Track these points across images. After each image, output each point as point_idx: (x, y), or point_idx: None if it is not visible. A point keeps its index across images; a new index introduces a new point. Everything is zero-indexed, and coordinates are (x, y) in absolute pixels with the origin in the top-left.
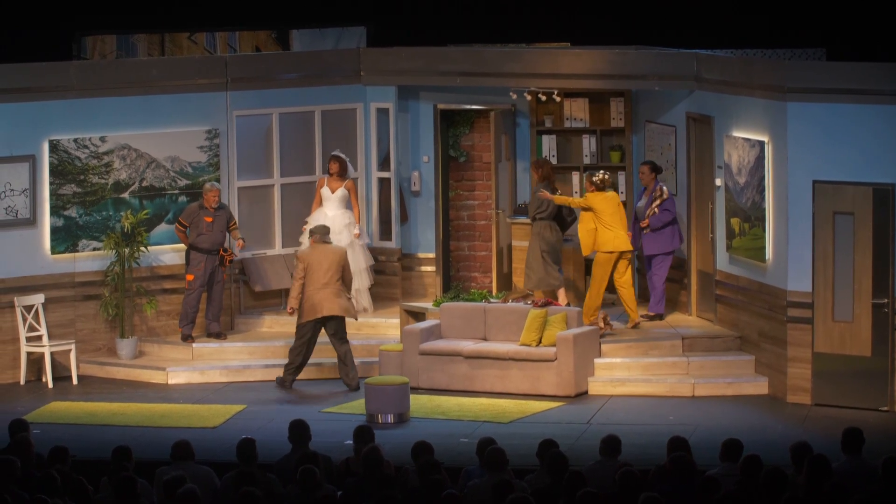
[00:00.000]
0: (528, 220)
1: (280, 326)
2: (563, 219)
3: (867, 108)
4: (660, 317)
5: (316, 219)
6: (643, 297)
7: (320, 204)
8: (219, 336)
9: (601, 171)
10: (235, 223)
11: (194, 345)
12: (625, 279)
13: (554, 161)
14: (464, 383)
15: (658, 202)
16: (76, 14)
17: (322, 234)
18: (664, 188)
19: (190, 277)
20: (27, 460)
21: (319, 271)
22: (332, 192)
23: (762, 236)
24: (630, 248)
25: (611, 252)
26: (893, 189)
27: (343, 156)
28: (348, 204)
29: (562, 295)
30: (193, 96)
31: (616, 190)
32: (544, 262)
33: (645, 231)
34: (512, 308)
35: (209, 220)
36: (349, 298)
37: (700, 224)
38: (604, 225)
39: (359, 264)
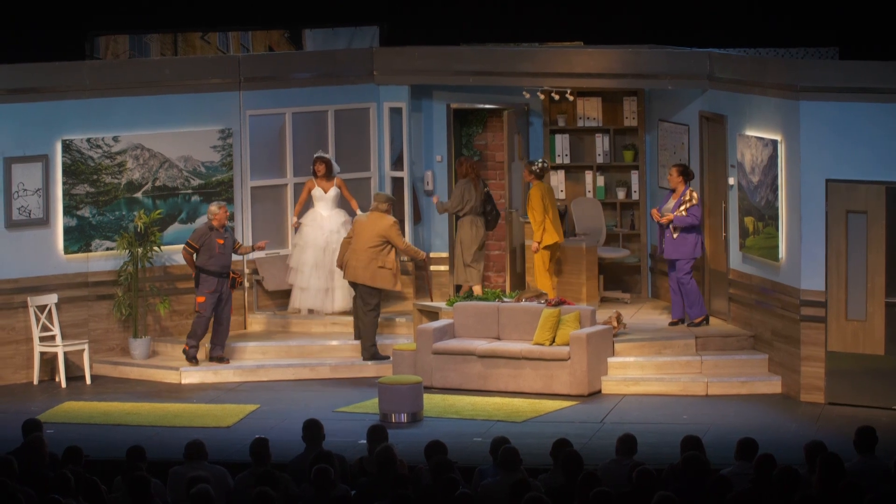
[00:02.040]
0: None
1: (293, 326)
2: (486, 215)
3: (880, 107)
4: (706, 320)
5: (311, 219)
6: (665, 298)
7: (302, 205)
8: (221, 360)
9: (540, 160)
10: (240, 242)
11: (208, 344)
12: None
13: (567, 160)
14: (477, 382)
15: (685, 206)
16: (89, 14)
17: (379, 201)
18: (695, 194)
19: (201, 300)
20: (40, 460)
21: (360, 238)
22: (325, 192)
23: (775, 235)
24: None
25: (556, 242)
26: None
27: (327, 155)
28: (339, 202)
29: (477, 291)
30: (206, 96)
31: (630, 189)
32: (463, 257)
33: (670, 229)
34: (525, 307)
35: (221, 241)
36: (385, 268)
37: (713, 223)
38: (550, 215)
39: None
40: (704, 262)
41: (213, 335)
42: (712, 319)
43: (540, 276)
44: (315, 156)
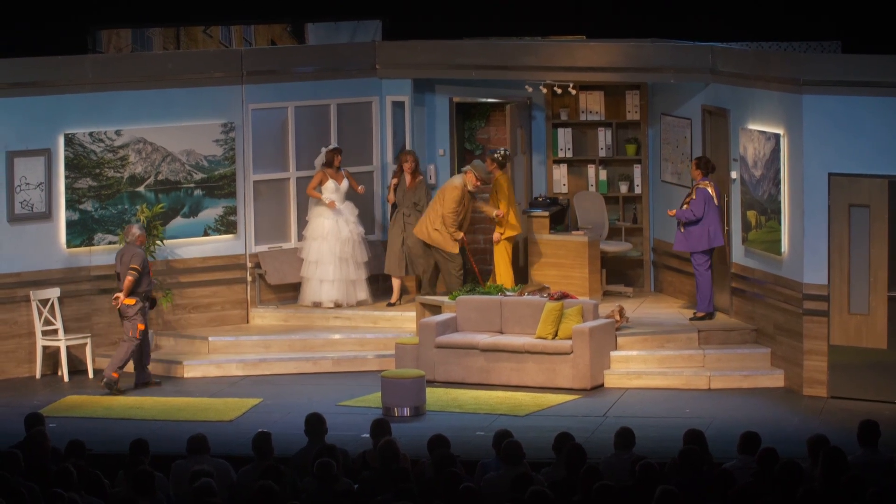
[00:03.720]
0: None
1: (296, 320)
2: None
3: (882, 101)
4: (710, 315)
5: (327, 211)
6: (667, 292)
7: (320, 194)
8: (153, 384)
9: (502, 149)
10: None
11: (211, 338)
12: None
13: (570, 154)
14: (480, 376)
15: (687, 201)
16: (91, 8)
17: (472, 166)
18: (700, 188)
19: (142, 327)
20: (43, 454)
21: (434, 199)
22: (339, 183)
23: (778, 229)
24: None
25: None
26: None
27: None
28: (349, 195)
29: (396, 285)
30: (209, 90)
31: (633, 183)
32: (402, 251)
33: (679, 224)
34: (528, 301)
35: (151, 264)
36: (435, 230)
37: None
38: (512, 205)
39: (359, 257)
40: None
41: (143, 358)
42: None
43: (503, 268)
44: (331, 147)
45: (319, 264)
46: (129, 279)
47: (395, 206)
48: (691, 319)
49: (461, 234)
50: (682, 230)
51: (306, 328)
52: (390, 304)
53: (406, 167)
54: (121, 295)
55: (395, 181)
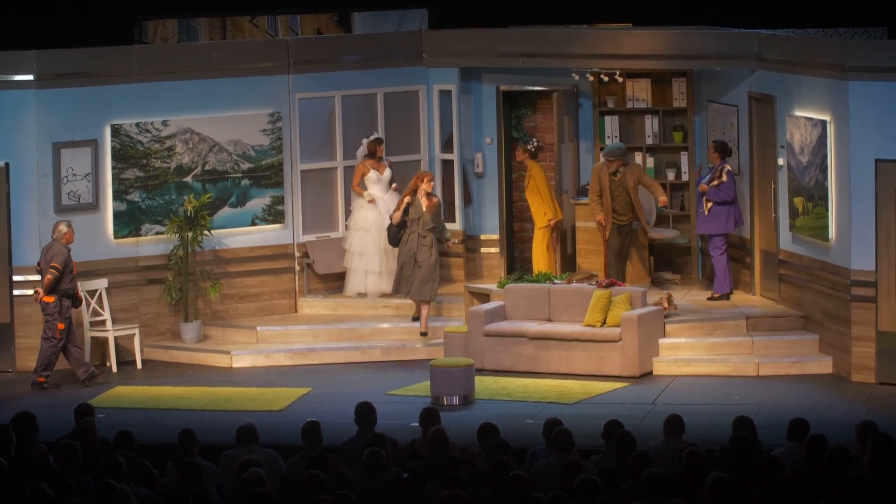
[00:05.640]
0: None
1: (345, 309)
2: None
3: None
4: (726, 297)
5: (366, 205)
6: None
7: (363, 190)
8: (98, 376)
9: (534, 139)
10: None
11: (259, 328)
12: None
13: (617, 141)
14: (529, 364)
15: (716, 182)
16: None
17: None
18: (725, 171)
19: (61, 326)
20: (92, 445)
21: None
22: (382, 174)
23: (825, 215)
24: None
25: (552, 220)
26: None
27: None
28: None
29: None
30: (256, 79)
31: (680, 170)
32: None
33: (703, 205)
34: (576, 289)
35: (74, 263)
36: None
37: (763, 203)
38: (545, 193)
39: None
40: (755, 243)
41: (77, 354)
42: (762, 300)
43: (540, 255)
44: (374, 137)
45: (364, 255)
46: (48, 277)
47: (400, 226)
48: (709, 299)
49: (601, 216)
50: (707, 212)
51: (355, 317)
52: (423, 334)
53: (424, 188)
54: (41, 291)
55: (407, 199)
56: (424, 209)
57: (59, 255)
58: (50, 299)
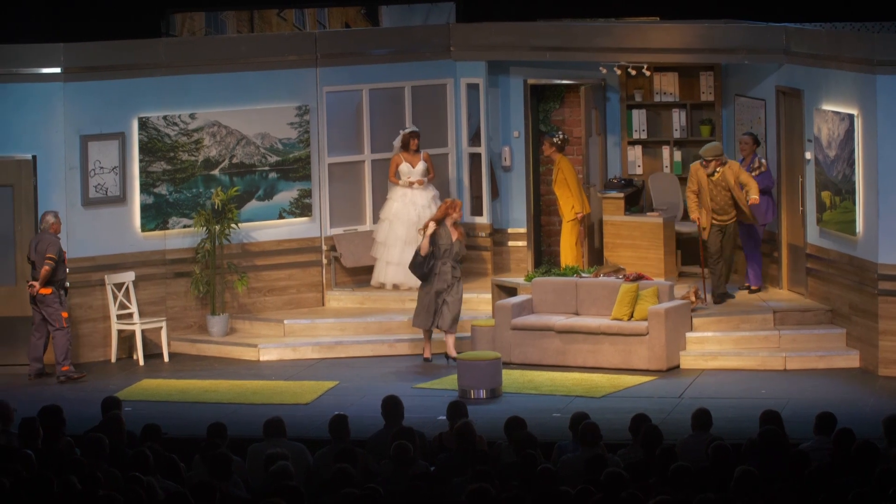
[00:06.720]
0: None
1: (371, 303)
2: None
3: None
4: (763, 288)
5: (400, 193)
6: (742, 272)
7: (398, 180)
8: (79, 377)
9: (560, 133)
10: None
11: (286, 321)
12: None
13: (644, 135)
14: (556, 358)
15: (756, 173)
16: None
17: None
18: (763, 161)
19: (65, 314)
20: (119, 438)
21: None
22: (414, 166)
23: (853, 209)
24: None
25: (580, 214)
26: None
27: (418, 129)
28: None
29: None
30: (283, 73)
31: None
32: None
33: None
34: (603, 282)
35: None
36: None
37: (790, 197)
38: (574, 187)
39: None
40: (781, 237)
41: (38, 353)
42: (790, 294)
43: (568, 248)
44: (409, 130)
45: (387, 246)
46: (45, 269)
47: (427, 257)
48: (750, 292)
49: (697, 216)
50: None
51: (382, 311)
52: (454, 359)
53: (455, 216)
54: (36, 283)
55: (435, 228)
56: (454, 239)
57: (53, 245)
58: (47, 291)
